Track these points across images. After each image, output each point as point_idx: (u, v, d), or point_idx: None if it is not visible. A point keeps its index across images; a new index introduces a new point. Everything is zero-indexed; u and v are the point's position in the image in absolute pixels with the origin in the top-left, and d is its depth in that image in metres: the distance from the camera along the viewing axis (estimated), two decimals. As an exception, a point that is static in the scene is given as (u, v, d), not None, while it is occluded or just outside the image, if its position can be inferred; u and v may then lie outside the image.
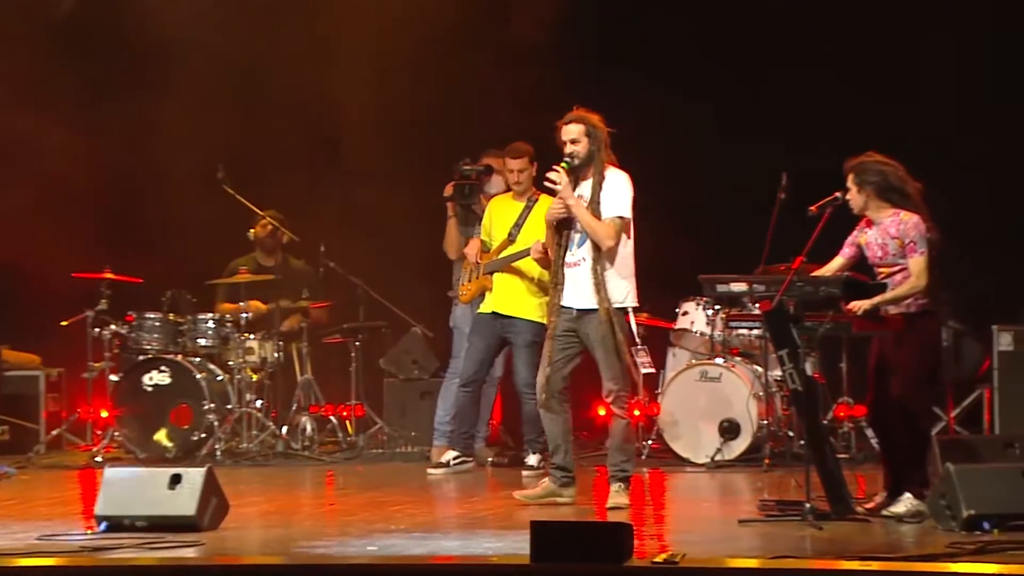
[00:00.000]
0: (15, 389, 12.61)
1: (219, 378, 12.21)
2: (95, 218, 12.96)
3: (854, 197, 8.65)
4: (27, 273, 12.60)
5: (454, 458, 10.96)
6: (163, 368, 12.05)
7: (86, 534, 8.08)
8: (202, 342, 12.27)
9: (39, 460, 12.11)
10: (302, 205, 13.05)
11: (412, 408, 12.50)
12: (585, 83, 11.82)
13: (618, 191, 9.10)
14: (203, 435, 11.99)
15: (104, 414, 12.30)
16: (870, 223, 8.67)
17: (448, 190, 11.57)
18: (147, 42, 13.05)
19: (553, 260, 9.22)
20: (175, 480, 8.22)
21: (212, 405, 11.97)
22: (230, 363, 12.25)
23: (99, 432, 12.34)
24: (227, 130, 13.15)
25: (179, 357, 12.10)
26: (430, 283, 12.19)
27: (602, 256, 9.05)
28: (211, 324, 12.30)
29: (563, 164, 9.09)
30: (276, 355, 12.34)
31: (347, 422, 12.61)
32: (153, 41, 13.01)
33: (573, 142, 9.12)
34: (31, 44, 12.74)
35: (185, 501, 8.16)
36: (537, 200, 10.89)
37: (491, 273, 10.95)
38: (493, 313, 10.95)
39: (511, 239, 10.92)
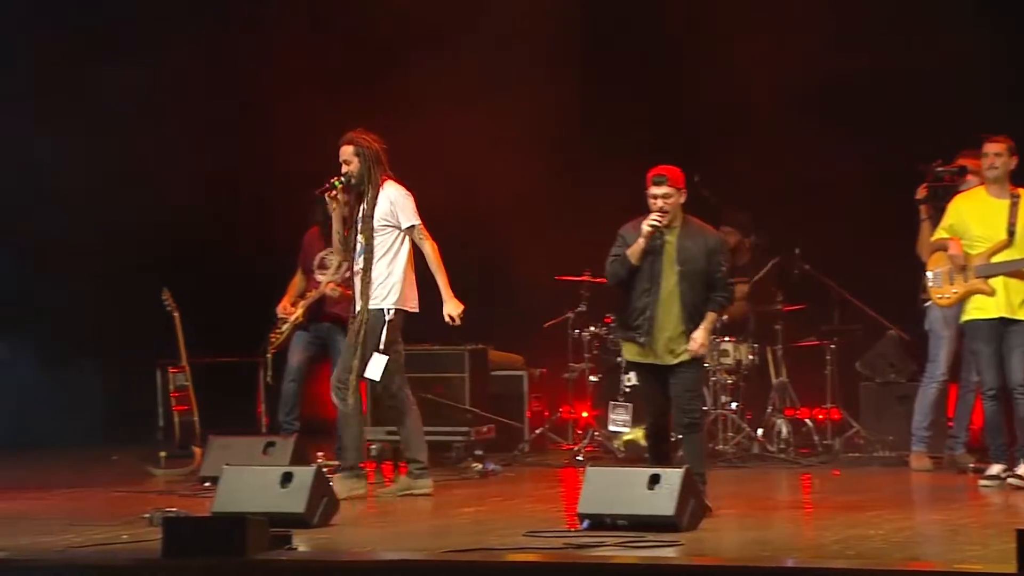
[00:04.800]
0: (501, 388, 13.04)
1: (695, 380, 12.32)
2: (573, 222, 13.29)
3: None
4: (512, 276, 13.05)
5: (1003, 470, 10.45)
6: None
7: (570, 532, 8.32)
8: (678, 344, 12.41)
9: (523, 458, 12.52)
10: (779, 205, 13.04)
11: (889, 412, 12.34)
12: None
13: (401, 203, 9.85)
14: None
15: (584, 414, 12.63)
16: None
17: (921, 192, 11.35)
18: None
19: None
20: (654, 480, 8.37)
21: (688, 406, 12.10)
22: (705, 365, 12.33)
23: (580, 432, 12.66)
24: (701, 129, 13.32)
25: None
26: (905, 285, 11.98)
27: (371, 265, 9.83)
28: (687, 326, 12.42)
29: (337, 182, 9.86)
30: (751, 357, 12.39)
31: (823, 425, 12.55)
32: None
33: (346, 163, 9.90)
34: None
35: (664, 501, 8.29)
36: (1019, 197, 10.50)
37: (986, 277, 10.46)
38: (1000, 318, 10.41)
39: (1010, 241, 10.43)
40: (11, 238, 11.60)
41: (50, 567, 7.71)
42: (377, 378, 9.95)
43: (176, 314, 12.40)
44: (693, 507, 8.38)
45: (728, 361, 12.35)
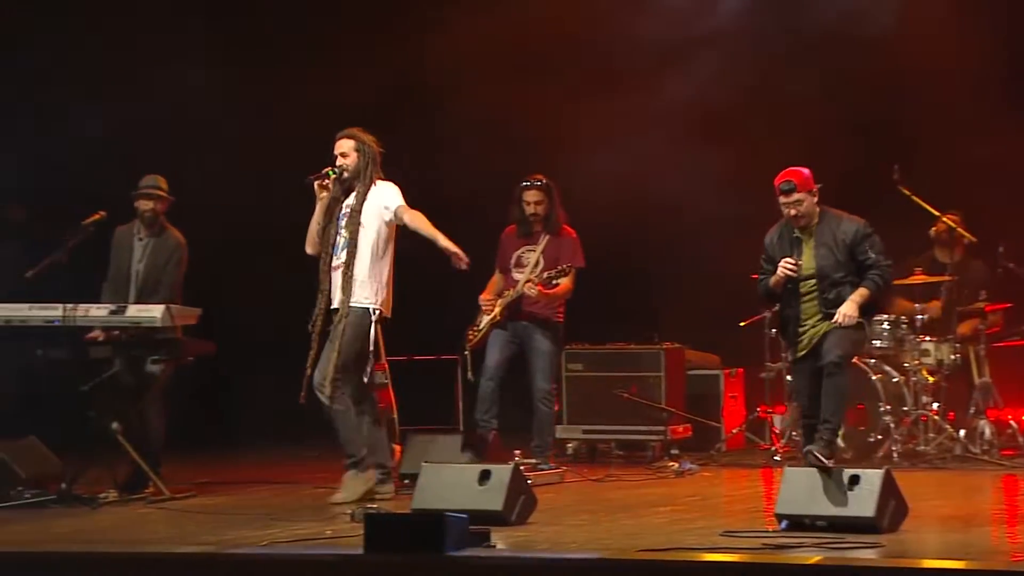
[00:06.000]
0: (698, 388, 13.00)
1: (894, 379, 12.18)
2: (769, 219, 13.18)
3: None
4: (708, 274, 13.00)
5: None
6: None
7: (767, 532, 8.27)
8: (877, 343, 12.26)
9: (720, 457, 12.47)
10: (983, 203, 12.81)
11: (1096, 414, 12.06)
12: None
13: (391, 193, 9.92)
14: (879, 436, 12.00)
15: (782, 414, 12.53)
16: None
17: None
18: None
19: (320, 266, 9.92)
20: (854, 481, 8.29)
21: (888, 407, 11.97)
22: (905, 365, 12.19)
23: (776, 431, 12.57)
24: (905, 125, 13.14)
25: (855, 358, 12.12)
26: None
27: (355, 261, 9.81)
28: (886, 325, 12.28)
29: (331, 171, 9.90)
30: (953, 357, 12.19)
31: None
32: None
33: (343, 155, 9.95)
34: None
35: (864, 502, 8.21)
36: None
37: None
38: None
39: None
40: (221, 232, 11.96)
41: (254, 562, 7.88)
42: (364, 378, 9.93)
43: (376, 312, 12.56)
44: (893, 508, 8.28)
45: (929, 361, 12.17)
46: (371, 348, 9.89)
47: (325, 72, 13.58)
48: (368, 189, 9.98)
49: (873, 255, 9.46)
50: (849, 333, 9.47)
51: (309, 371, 9.93)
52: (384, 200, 9.97)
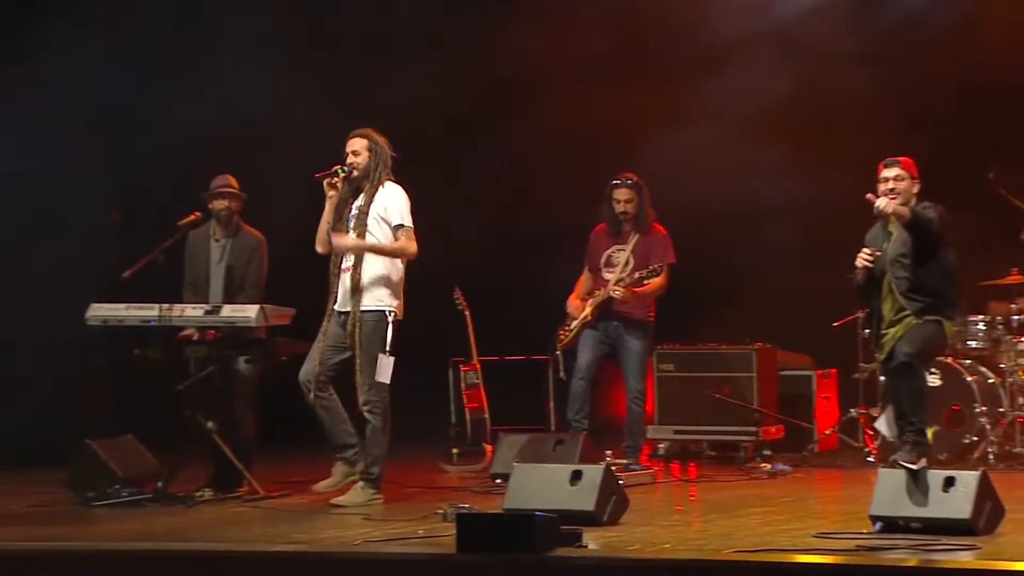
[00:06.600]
0: (790, 389, 12.93)
1: (990, 380, 12.06)
2: (860, 219, 13.10)
3: None
4: (801, 275, 12.93)
5: None
6: (933, 370, 12.01)
7: (861, 533, 8.22)
8: (972, 344, 12.17)
9: (812, 458, 12.39)
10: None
11: None
12: None
13: (397, 202, 9.80)
14: (974, 438, 11.88)
15: (875, 415, 12.43)
16: None
17: None
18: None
19: (330, 268, 9.87)
20: (949, 482, 8.22)
21: (983, 408, 11.85)
22: (1001, 365, 12.07)
23: (870, 432, 12.49)
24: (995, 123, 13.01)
25: (949, 359, 12.05)
26: None
27: (363, 263, 9.78)
28: (982, 326, 12.17)
29: (340, 170, 9.83)
30: (1053, 357, 12.06)
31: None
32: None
33: (355, 154, 9.89)
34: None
35: (960, 503, 8.13)
36: None
37: None
38: None
39: None
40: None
41: (348, 561, 7.94)
42: (388, 381, 9.77)
43: (467, 312, 12.62)
44: (990, 510, 8.20)
45: (1025, 362, 12.05)
46: (388, 350, 9.79)
47: (417, 72, 13.63)
48: (376, 190, 9.90)
49: (930, 222, 9.38)
50: (922, 331, 9.32)
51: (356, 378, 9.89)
52: (391, 207, 9.87)
